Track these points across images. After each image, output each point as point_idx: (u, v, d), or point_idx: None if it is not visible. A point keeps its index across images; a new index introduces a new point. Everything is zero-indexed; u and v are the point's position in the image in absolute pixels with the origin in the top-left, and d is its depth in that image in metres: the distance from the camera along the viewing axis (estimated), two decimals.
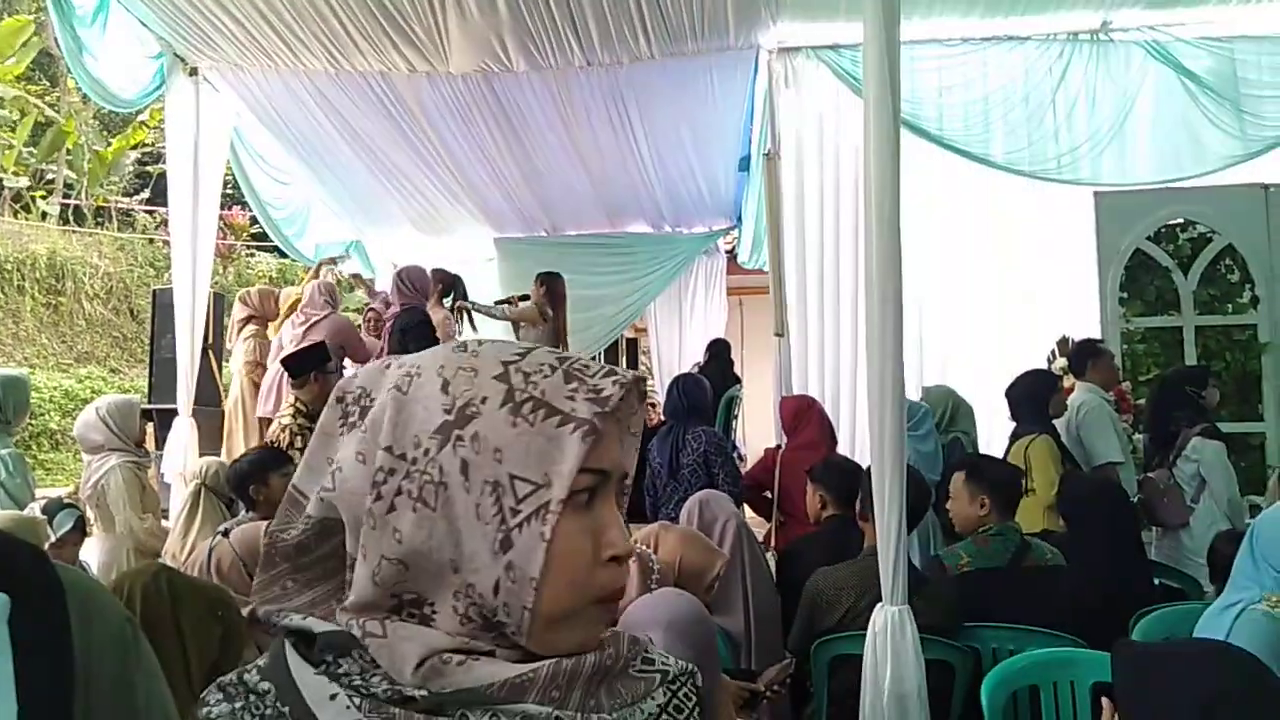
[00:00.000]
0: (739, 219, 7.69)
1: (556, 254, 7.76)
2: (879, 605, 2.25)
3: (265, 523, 2.04)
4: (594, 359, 0.69)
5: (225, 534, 2.02)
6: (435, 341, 5.44)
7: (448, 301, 5.91)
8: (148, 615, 1.48)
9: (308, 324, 5.48)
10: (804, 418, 4.47)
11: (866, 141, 2.40)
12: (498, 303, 6.27)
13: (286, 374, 4.34)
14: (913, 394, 4.26)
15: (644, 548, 2.21)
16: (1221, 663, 1.19)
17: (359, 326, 6.32)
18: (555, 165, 6.77)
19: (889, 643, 2.20)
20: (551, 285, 6.01)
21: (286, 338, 5.57)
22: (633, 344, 12.27)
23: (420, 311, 5.29)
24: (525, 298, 6.16)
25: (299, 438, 3.94)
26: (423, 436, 0.62)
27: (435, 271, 5.87)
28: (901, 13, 2.43)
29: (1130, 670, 1.20)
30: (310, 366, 4.18)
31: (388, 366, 0.68)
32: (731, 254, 8.24)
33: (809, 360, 5.64)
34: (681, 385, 4.23)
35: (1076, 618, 2.51)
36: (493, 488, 0.61)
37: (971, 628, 2.50)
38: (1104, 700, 1.34)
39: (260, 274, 13.91)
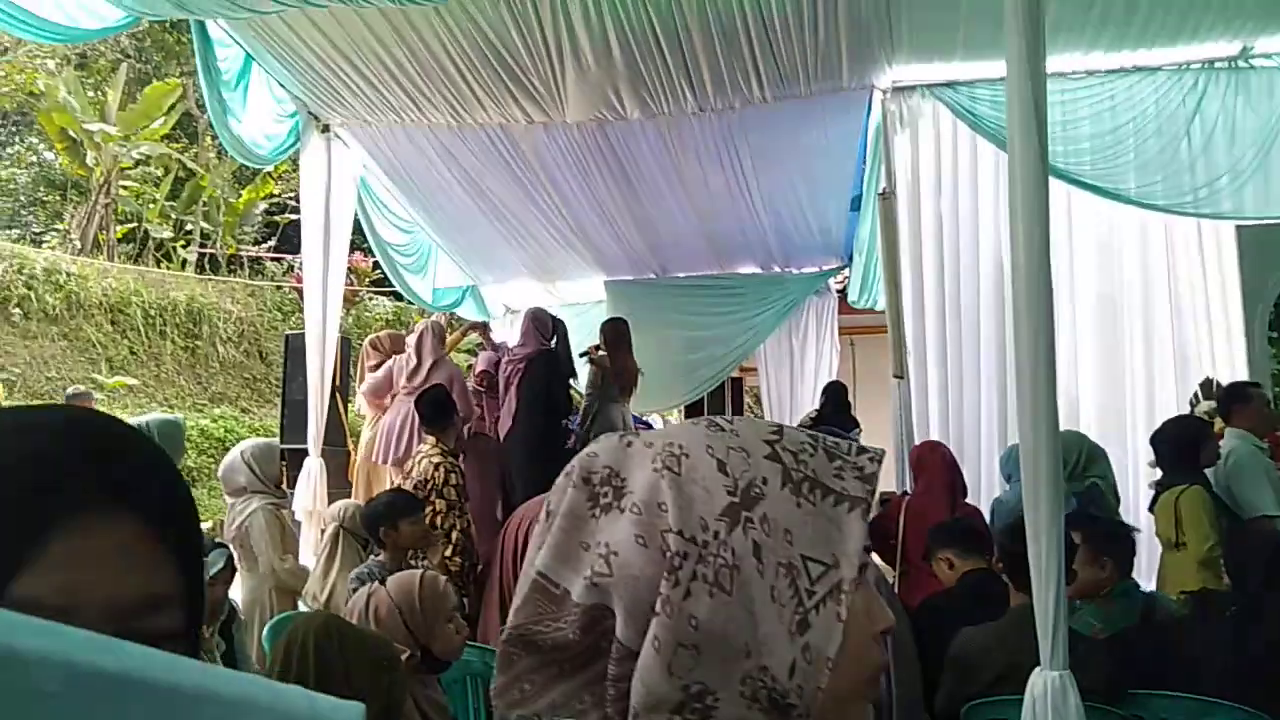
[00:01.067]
0: (850, 258, 7.59)
1: (665, 296, 7.84)
2: (1037, 670, 2.14)
3: (419, 573, 2.10)
4: (839, 442, 0.68)
5: (382, 580, 2.08)
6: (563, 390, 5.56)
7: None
8: (320, 663, 1.53)
9: (422, 366, 5.66)
10: (925, 463, 4.36)
11: (1013, 183, 2.34)
12: (581, 354, 6.38)
13: (420, 418, 4.47)
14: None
15: None
16: None
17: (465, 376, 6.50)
18: (666, 209, 6.84)
19: (1049, 711, 2.09)
20: (607, 333, 6.14)
21: (402, 380, 5.76)
22: (737, 384, 12.19)
23: (561, 356, 5.44)
24: (599, 347, 6.28)
25: (453, 474, 4.06)
26: (709, 519, 0.61)
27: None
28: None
29: None
30: (450, 412, 4.32)
31: (630, 444, 0.66)
32: (843, 293, 8.12)
33: (930, 403, 5.49)
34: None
35: (1251, 683, 2.33)
36: (787, 569, 0.62)
37: (1139, 695, 2.35)
38: None
39: (377, 316, 14.46)
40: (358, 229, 7.61)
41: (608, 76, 5.12)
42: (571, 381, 6.21)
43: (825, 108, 5.54)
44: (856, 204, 6.81)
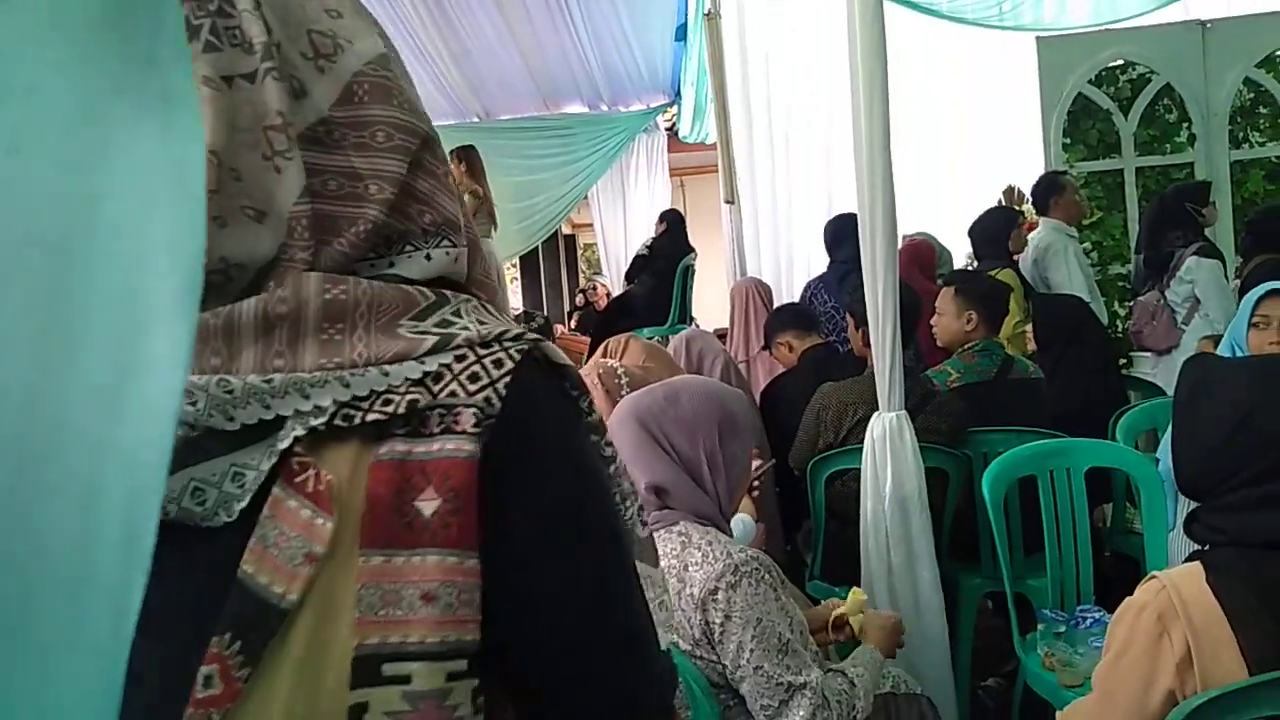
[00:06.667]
0: (678, 94, 7.50)
1: (491, 139, 7.48)
2: (876, 414, 2.26)
3: None
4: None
5: None
6: None
7: None
8: None
9: None
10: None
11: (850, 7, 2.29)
12: None
13: None
14: None
15: (611, 362, 2.19)
16: (1270, 373, 1.21)
17: None
18: (485, 42, 6.46)
19: (888, 448, 2.22)
20: (470, 160, 5.73)
21: None
22: (570, 240, 12.10)
23: None
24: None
25: None
26: None
27: None
28: None
29: (1190, 382, 1.22)
30: None
31: None
32: (672, 130, 8.06)
33: (760, 226, 5.61)
34: None
35: (1059, 424, 2.57)
36: None
37: (973, 434, 2.55)
38: None
39: None
40: None
41: None
42: None
43: None
44: (682, 34, 6.67)
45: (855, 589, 1.92)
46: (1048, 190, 4.29)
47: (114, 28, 0.28)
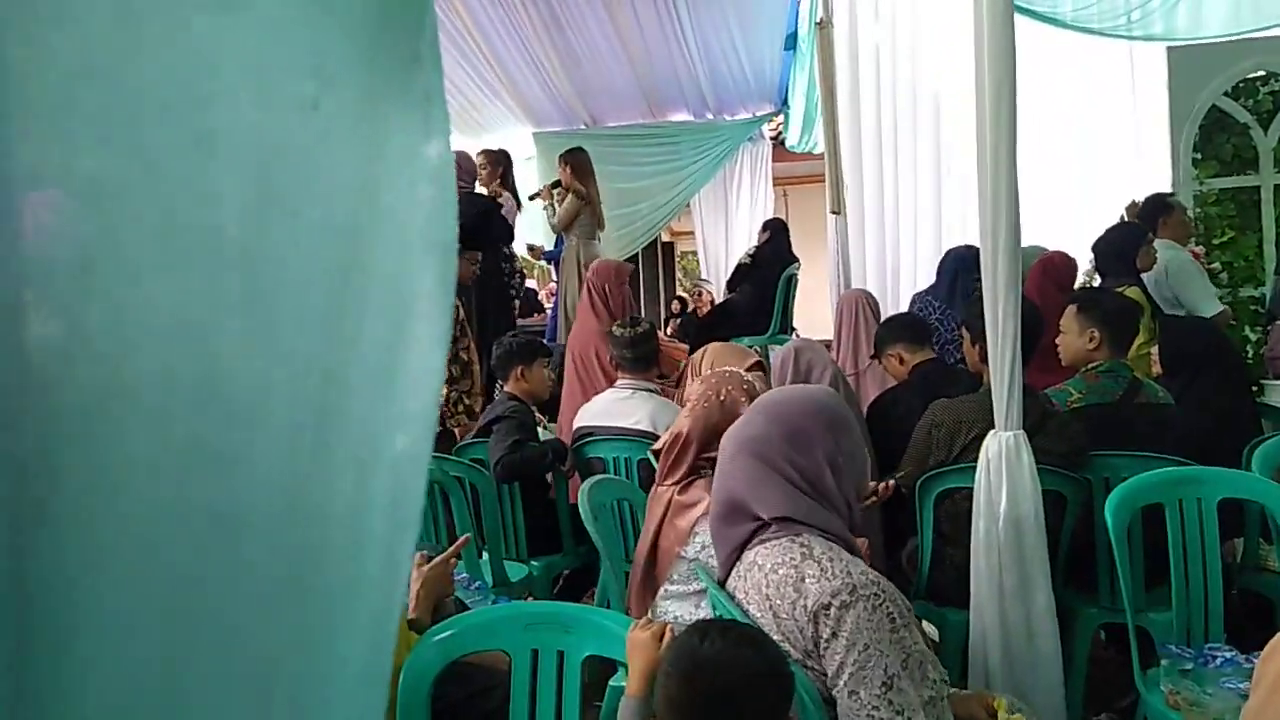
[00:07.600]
0: (785, 102, 7.46)
1: (597, 146, 7.56)
2: (992, 432, 2.20)
3: None
4: None
5: None
6: (504, 229, 5.29)
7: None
8: None
9: None
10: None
11: (978, 15, 2.23)
12: (530, 197, 6.13)
13: None
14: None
15: (744, 373, 2.20)
16: None
17: None
18: (595, 51, 6.57)
19: (1004, 468, 2.15)
20: (576, 163, 5.80)
21: None
22: (669, 248, 12.16)
23: (481, 200, 5.18)
24: (556, 184, 6.01)
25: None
26: None
27: (484, 152, 5.73)
28: None
29: None
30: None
31: None
32: (777, 140, 8.01)
33: (866, 237, 5.52)
34: None
35: (1188, 453, 2.44)
36: None
37: (1084, 457, 2.45)
38: None
39: None
40: None
41: None
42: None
43: None
44: (791, 42, 6.64)
45: (1017, 714, 1.62)
46: (1155, 210, 4.13)
47: (388, 28, 0.30)
